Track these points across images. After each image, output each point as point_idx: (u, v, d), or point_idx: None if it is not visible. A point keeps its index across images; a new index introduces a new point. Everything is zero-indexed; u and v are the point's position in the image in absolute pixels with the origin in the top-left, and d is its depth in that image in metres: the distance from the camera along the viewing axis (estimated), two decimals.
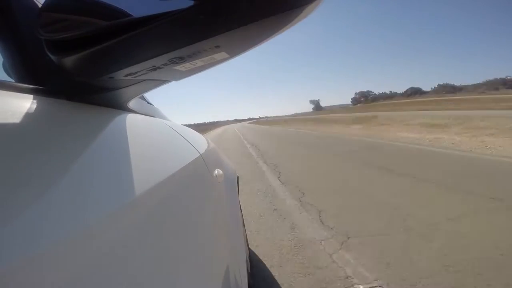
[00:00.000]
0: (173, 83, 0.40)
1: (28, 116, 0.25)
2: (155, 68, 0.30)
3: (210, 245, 0.49)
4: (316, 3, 0.25)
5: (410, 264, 1.51)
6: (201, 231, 0.46)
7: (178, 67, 0.31)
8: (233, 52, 0.30)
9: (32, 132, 0.24)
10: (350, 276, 1.46)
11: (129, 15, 0.27)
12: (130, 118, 0.47)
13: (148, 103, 0.80)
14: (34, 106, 0.28)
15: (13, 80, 0.36)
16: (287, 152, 6.65)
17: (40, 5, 0.36)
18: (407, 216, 2.12)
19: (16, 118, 0.24)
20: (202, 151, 0.72)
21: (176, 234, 0.36)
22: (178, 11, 0.24)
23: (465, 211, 2.12)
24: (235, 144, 10.15)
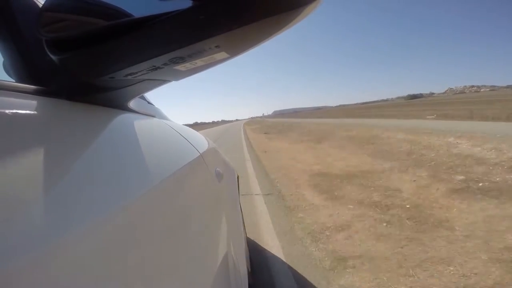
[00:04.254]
0: (173, 83, 0.40)
1: (28, 116, 0.25)
2: (155, 68, 0.31)
3: (210, 244, 0.49)
4: (315, 3, 0.25)
5: None
6: (201, 231, 0.47)
7: (178, 67, 0.31)
8: (233, 52, 0.30)
9: (32, 132, 0.24)
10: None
11: (130, 15, 0.27)
12: (131, 118, 0.47)
13: (149, 103, 0.80)
14: (35, 106, 0.28)
15: (13, 80, 0.36)
16: None
17: (40, 5, 0.36)
18: None
19: (17, 118, 0.24)
20: (202, 150, 0.72)
21: (176, 233, 0.36)
22: (179, 11, 0.24)
23: None
24: None
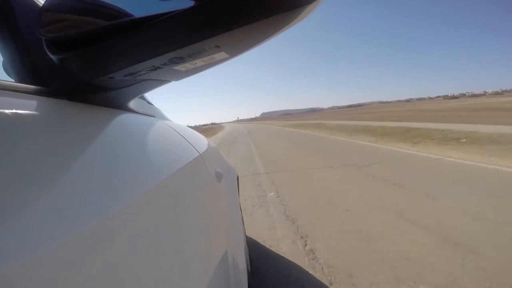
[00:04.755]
0: (173, 83, 0.40)
1: (28, 116, 0.25)
2: (155, 68, 0.31)
3: (210, 244, 0.49)
4: (315, 3, 0.25)
5: None
6: (200, 231, 0.47)
7: (178, 67, 0.31)
8: (233, 52, 0.30)
9: (32, 132, 0.24)
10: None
11: (130, 15, 0.27)
12: (130, 118, 0.47)
13: (149, 103, 0.80)
14: (35, 106, 0.28)
15: (13, 80, 0.37)
16: None
17: (40, 5, 0.36)
18: None
19: (17, 118, 0.24)
20: (201, 150, 0.72)
21: (176, 233, 0.36)
22: (179, 11, 0.25)
23: None
24: None
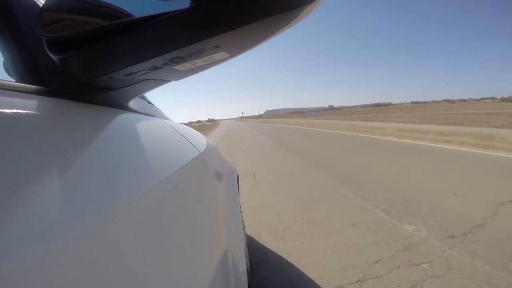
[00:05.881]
0: (173, 82, 0.40)
1: (29, 115, 0.25)
2: (155, 68, 0.31)
3: (210, 243, 0.50)
4: (315, 3, 0.25)
5: None
6: (200, 230, 0.47)
7: (178, 67, 0.31)
8: (233, 52, 0.30)
9: (33, 132, 0.24)
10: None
11: (130, 15, 0.27)
12: (131, 117, 0.48)
13: (149, 102, 0.81)
14: (35, 105, 0.28)
15: (14, 80, 0.37)
16: None
17: (41, 5, 0.36)
18: None
19: (17, 118, 0.24)
20: (202, 150, 0.72)
21: (176, 232, 0.36)
22: (179, 11, 0.25)
23: None
24: None
